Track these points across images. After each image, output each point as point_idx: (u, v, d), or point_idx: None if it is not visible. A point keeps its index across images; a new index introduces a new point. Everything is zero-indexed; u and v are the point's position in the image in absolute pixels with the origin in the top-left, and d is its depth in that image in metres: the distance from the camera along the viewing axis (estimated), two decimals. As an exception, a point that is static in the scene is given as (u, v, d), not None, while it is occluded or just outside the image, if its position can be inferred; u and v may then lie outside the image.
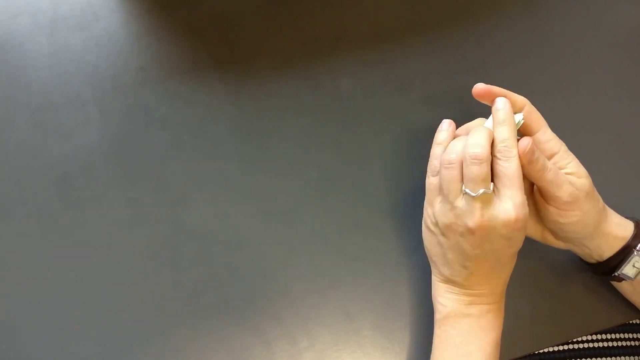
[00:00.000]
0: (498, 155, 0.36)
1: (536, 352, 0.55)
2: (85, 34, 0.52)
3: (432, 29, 0.53)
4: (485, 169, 0.36)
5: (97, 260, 0.45)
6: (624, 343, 0.65)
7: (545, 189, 0.38)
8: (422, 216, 0.47)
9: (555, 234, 0.42)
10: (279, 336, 0.43)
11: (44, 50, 0.51)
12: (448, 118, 0.49)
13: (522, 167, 0.38)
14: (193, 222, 0.46)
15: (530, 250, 0.46)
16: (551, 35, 0.53)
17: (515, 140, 0.37)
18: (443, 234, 0.38)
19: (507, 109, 0.38)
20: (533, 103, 0.50)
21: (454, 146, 0.38)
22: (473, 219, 0.36)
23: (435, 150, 0.41)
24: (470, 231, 0.36)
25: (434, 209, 0.39)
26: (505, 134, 0.37)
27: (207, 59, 0.51)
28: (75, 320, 0.44)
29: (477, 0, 0.54)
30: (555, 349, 0.55)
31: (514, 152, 0.36)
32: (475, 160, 0.36)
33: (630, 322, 0.67)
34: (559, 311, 0.44)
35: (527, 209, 0.36)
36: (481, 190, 0.35)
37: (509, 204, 0.35)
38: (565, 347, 0.55)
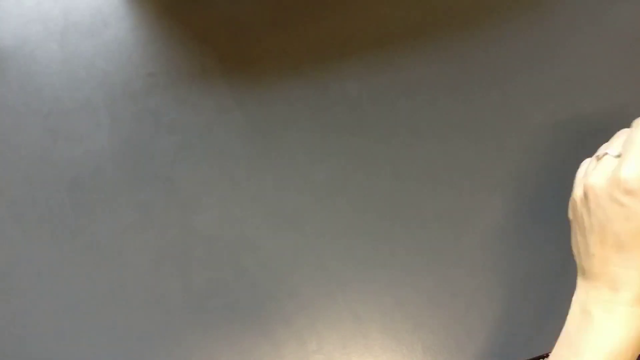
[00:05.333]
0: (633, 124, 0.36)
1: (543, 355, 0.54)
2: (95, 40, 0.52)
3: (439, 34, 0.53)
4: (621, 138, 0.36)
5: (107, 263, 0.45)
6: None
7: None
8: (429, 218, 0.47)
9: None
10: (288, 339, 0.43)
11: (55, 57, 0.52)
12: (454, 121, 0.50)
13: None
14: (202, 226, 0.46)
15: (537, 250, 0.46)
16: (559, 42, 0.53)
17: None
18: (574, 213, 0.37)
19: None
20: (539, 108, 0.50)
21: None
22: (586, 181, 0.35)
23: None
24: (585, 196, 0.35)
25: (574, 191, 0.37)
26: None
27: (215, 64, 0.52)
28: (84, 323, 0.44)
29: (484, 7, 0.54)
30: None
31: None
32: (621, 132, 0.37)
33: None
34: (541, 318, 0.44)
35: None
36: (603, 151, 0.35)
37: (621, 164, 0.33)
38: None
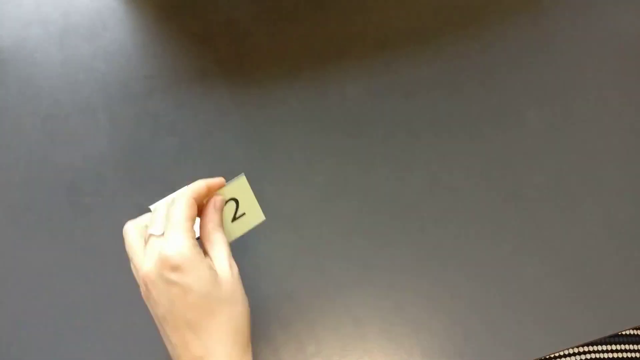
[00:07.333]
0: (172, 200, 0.36)
1: None
2: (94, 43, 0.52)
3: (438, 38, 0.53)
4: (158, 213, 0.35)
5: (106, 266, 0.45)
6: (614, 355, 0.64)
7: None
8: (428, 221, 0.47)
9: None
10: (286, 341, 0.43)
11: (55, 59, 0.52)
12: (454, 124, 0.50)
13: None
14: (201, 228, 0.46)
15: (536, 252, 0.46)
16: (556, 44, 0.53)
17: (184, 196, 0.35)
18: (148, 306, 0.35)
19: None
20: (539, 109, 0.50)
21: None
22: (141, 269, 0.33)
23: None
24: (144, 284, 0.33)
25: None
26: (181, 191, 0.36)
27: (214, 67, 0.52)
28: (83, 324, 0.44)
29: (483, 9, 0.54)
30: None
31: (180, 194, 0.35)
32: (154, 208, 0.36)
33: (621, 332, 0.66)
34: (539, 322, 0.44)
35: (182, 245, 0.32)
36: (149, 232, 0.34)
37: (163, 242, 0.33)
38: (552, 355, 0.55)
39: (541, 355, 0.43)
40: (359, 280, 0.45)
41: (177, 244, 0.32)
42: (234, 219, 0.41)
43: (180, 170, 0.48)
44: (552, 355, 0.67)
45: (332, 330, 0.44)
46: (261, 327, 0.43)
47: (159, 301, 0.33)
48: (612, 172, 0.48)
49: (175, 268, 0.32)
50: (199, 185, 0.36)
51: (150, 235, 0.34)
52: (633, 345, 0.69)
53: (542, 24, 0.54)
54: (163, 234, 0.33)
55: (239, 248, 0.46)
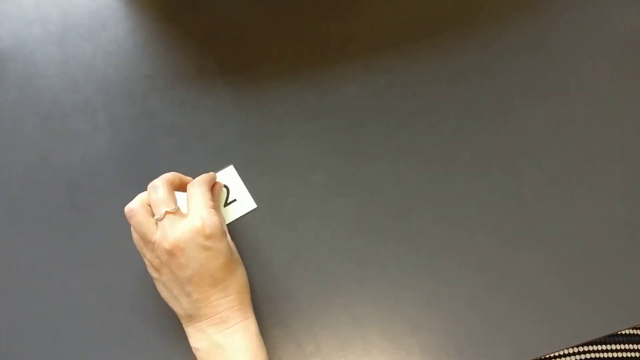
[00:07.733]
0: (188, 186, 0.43)
1: None
2: (94, 42, 0.52)
3: (437, 36, 0.53)
4: (162, 193, 0.40)
5: (105, 265, 0.45)
6: (613, 354, 0.64)
7: None
8: (427, 220, 0.47)
9: None
10: (285, 341, 0.43)
11: (54, 59, 0.52)
12: (452, 123, 0.50)
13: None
14: (200, 228, 0.46)
15: (537, 251, 0.46)
16: (555, 41, 0.53)
17: (203, 181, 0.43)
18: (160, 273, 0.40)
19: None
20: (537, 108, 0.50)
21: (135, 198, 0.41)
22: (167, 240, 0.38)
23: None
24: (170, 253, 0.38)
25: (146, 258, 0.41)
26: (198, 179, 0.44)
27: (213, 65, 0.52)
28: (83, 323, 0.44)
29: (481, 7, 0.54)
30: None
31: (199, 182, 0.43)
32: (152, 188, 0.41)
33: (619, 332, 0.66)
34: (539, 321, 0.44)
35: (214, 219, 0.39)
36: (163, 210, 0.39)
37: (193, 216, 0.39)
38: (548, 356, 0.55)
39: (541, 355, 0.43)
40: (358, 279, 0.45)
41: (210, 218, 0.39)
42: (226, 204, 0.47)
43: (180, 170, 0.48)
44: (551, 355, 0.67)
45: (331, 329, 0.44)
46: (260, 326, 0.43)
47: (188, 264, 0.38)
48: (612, 169, 0.48)
49: (209, 236, 0.39)
50: (209, 177, 0.45)
51: (167, 212, 0.39)
52: (632, 345, 0.69)
53: (540, 22, 0.54)
54: (176, 210, 0.40)
55: (240, 247, 0.46)
